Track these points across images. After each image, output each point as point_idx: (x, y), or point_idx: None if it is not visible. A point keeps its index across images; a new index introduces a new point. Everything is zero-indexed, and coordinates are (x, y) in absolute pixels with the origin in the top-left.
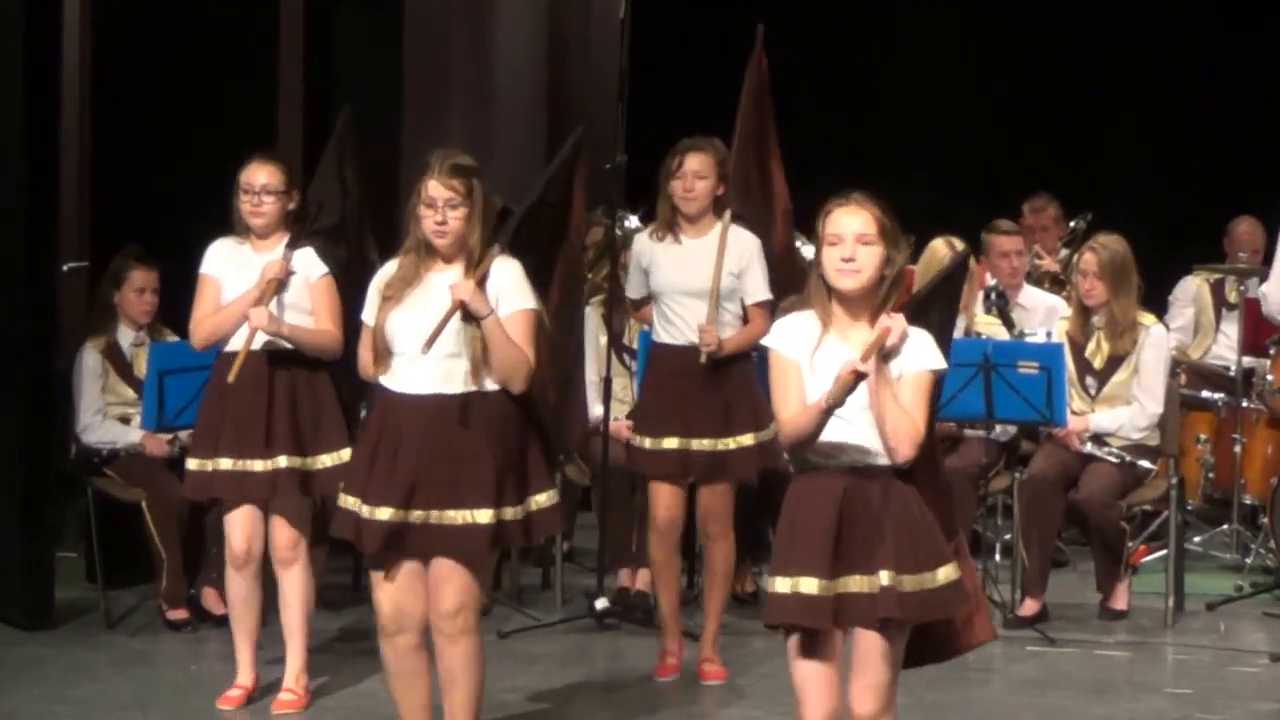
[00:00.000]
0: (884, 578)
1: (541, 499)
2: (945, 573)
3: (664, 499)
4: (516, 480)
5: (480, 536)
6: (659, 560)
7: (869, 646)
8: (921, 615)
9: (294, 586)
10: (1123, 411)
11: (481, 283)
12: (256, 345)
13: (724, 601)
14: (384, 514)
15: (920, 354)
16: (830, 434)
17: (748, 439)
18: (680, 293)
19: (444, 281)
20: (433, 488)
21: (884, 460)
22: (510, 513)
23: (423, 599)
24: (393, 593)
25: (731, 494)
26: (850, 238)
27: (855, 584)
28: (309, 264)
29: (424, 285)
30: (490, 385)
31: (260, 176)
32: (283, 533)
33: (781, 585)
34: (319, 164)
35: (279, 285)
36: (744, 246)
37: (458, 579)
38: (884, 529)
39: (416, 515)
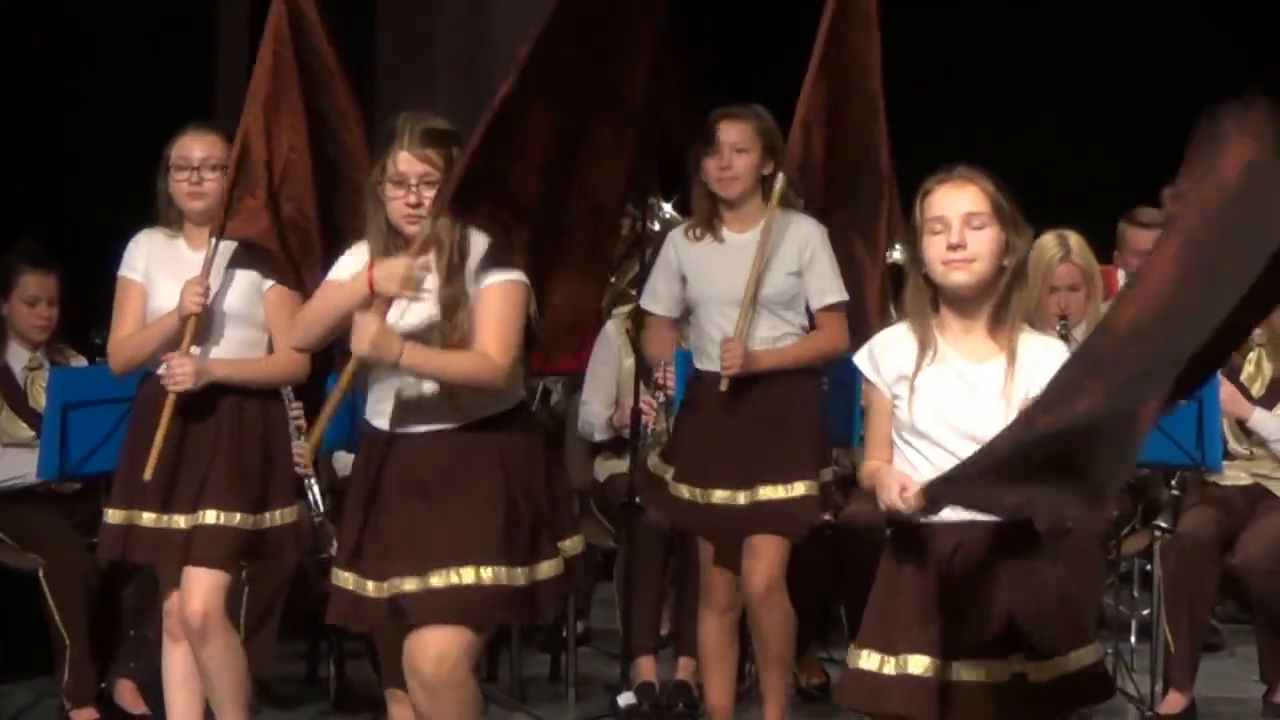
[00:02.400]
0: (1015, 664)
1: (568, 544)
2: (1083, 654)
3: (721, 563)
4: (537, 532)
5: (470, 598)
6: (712, 642)
7: None
8: (1058, 708)
9: (216, 657)
10: None
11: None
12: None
13: (785, 685)
14: (372, 589)
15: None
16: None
17: (800, 488)
18: (724, 303)
19: (427, 279)
20: (422, 550)
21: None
22: (548, 567)
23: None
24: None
25: (782, 551)
26: (958, 220)
27: (971, 672)
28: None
29: None
30: (498, 407)
31: (198, 149)
32: (194, 601)
33: (869, 661)
34: None
35: (201, 321)
36: (804, 235)
37: (436, 646)
38: (1009, 600)
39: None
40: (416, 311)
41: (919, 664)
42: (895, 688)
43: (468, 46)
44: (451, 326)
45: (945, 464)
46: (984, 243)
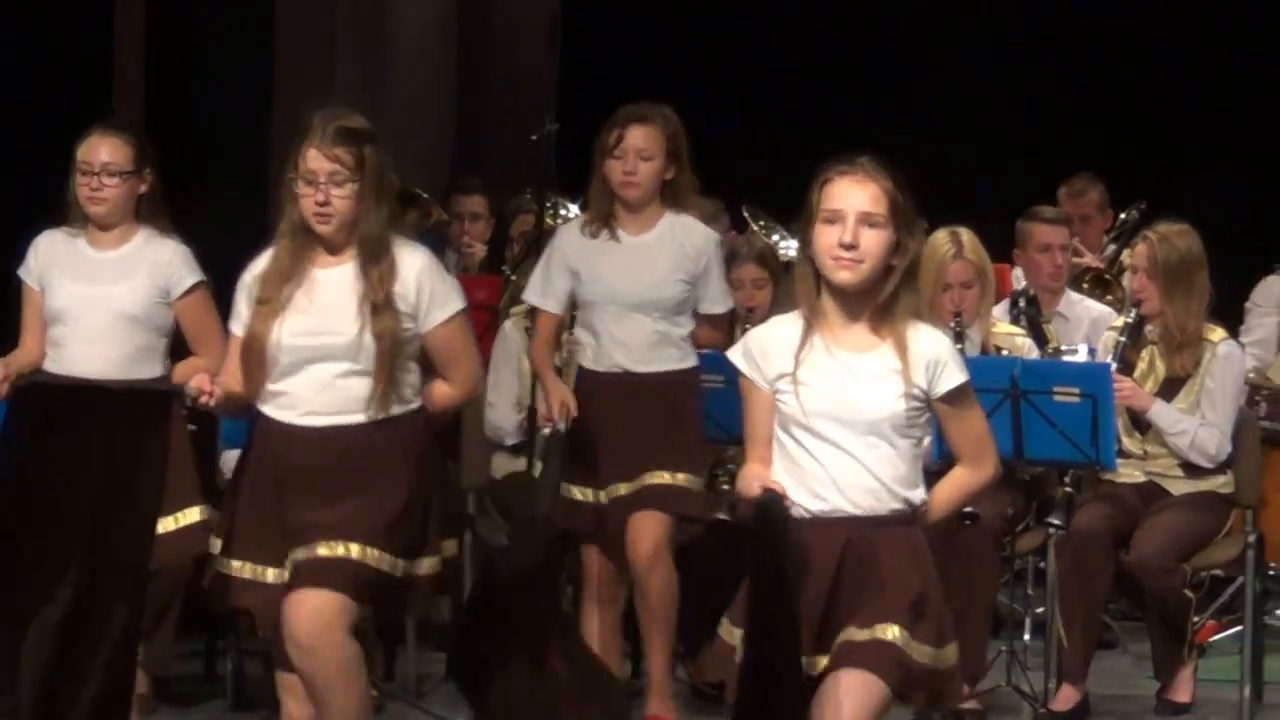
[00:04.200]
0: (894, 631)
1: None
2: (952, 652)
3: (604, 557)
4: (424, 529)
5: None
6: (596, 636)
7: (851, 684)
8: (919, 693)
9: None
10: (1191, 421)
11: (386, 286)
12: None
13: (670, 646)
14: (271, 575)
15: (948, 361)
16: (824, 469)
17: (683, 478)
18: (616, 304)
19: (334, 280)
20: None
21: (896, 504)
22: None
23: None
24: (310, 599)
25: (668, 524)
26: (853, 217)
27: (850, 634)
28: (167, 271)
29: (309, 285)
30: (399, 408)
31: (102, 153)
32: None
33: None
34: None
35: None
36: (699, 244)
37: (313, 602)
38: (896, 584)
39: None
40: (335, 332)
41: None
42: None
43: (367, 39)
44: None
45: (833, 458)
46: (875, 243)
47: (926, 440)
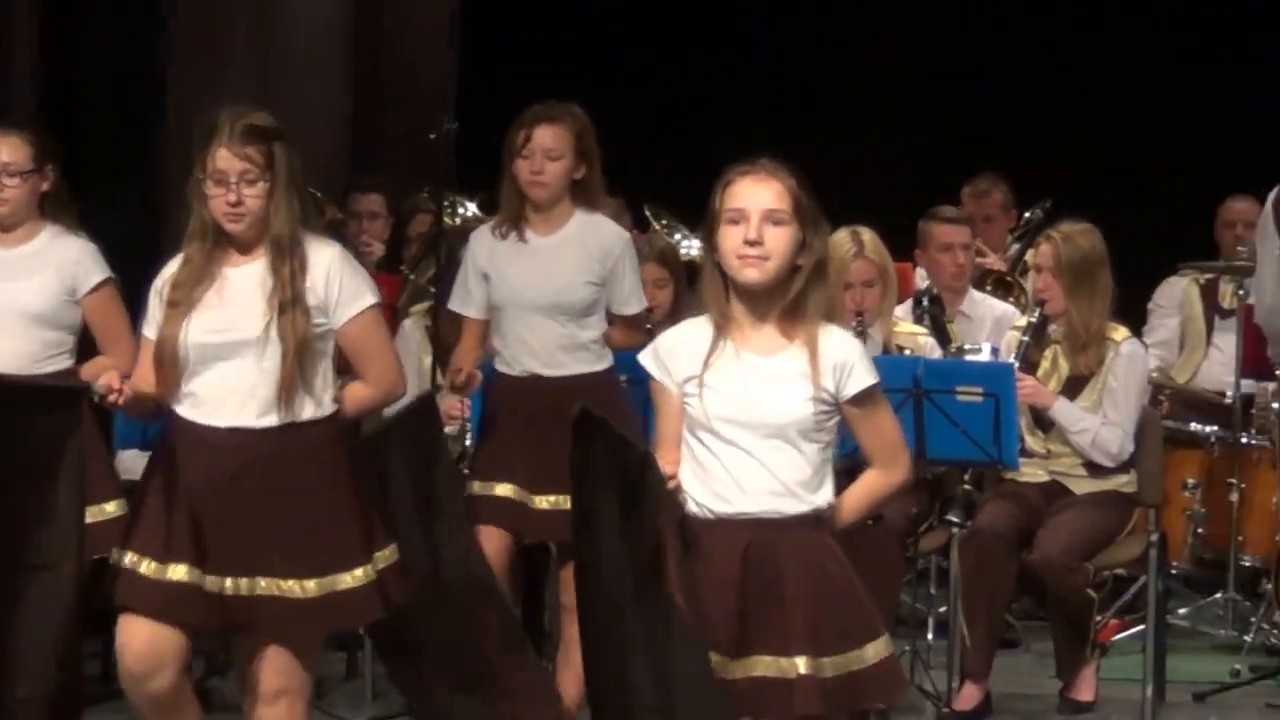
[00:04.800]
0: (801, 665)
1: (388, 553)
2: (876, 648)
3: (489, 544)
4: (354, 533)
5: (305, 615)
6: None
7: None
8: (848, 703)
9: None
10: (1094, 420)
11: (296, 284)
12: None
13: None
14: (179, 573)
15: (857, 364)
16: (727, 472)
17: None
18: (526, 307)
19: (244, 278)
20: (243, 548)
21: (802, 507)
22: (351, 578)
23: (174, 635)
24: (146, 629)
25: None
26: (757, 215)
27: (764, 666)
28: (74, 269)
29: (220, 284)
30: (315, 410)
31: (1, 152)
32: None
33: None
34: None
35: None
36: (608, 244)
37: (278, 660)
38: (798, 595)
39: (227, 585)
40: (242, 328)
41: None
42: None
43: (262, 38)
44: (285, 351)
45: (737, 461)
46: (780, 241)
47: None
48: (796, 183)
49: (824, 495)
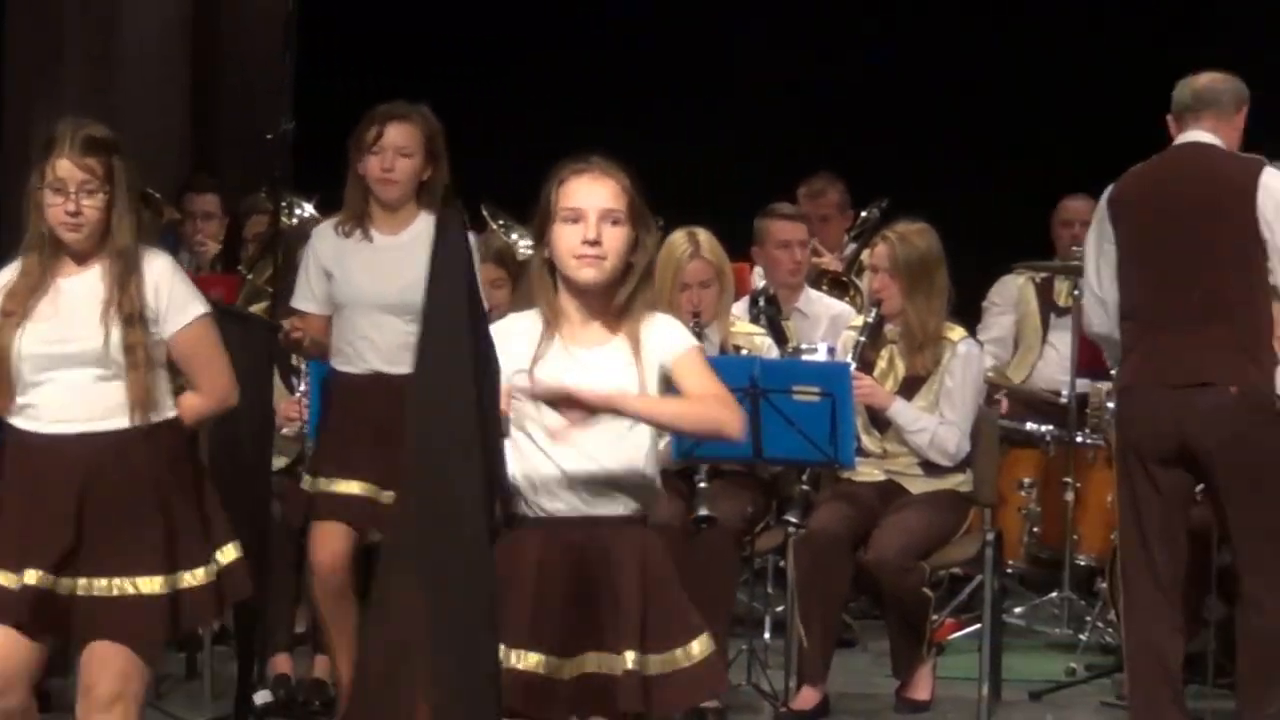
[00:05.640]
0: (628, 660)
1: (230, 550)
2: (701, 645)
3: (328, 540)
4: (197, 533)
5: (152, 613)
6: (326, 615)
7: None
8: (672, 703)
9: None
10: (931, 419)
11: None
12: None
13: None
14: (31, 578)
15: (675, 333)
16: (559, 470)
17: None
18: (369, 306)
19: (79, 288)
20: (87, 551)
21: (632, 505)
22: (192, 577)
23: (29, 649)
24: (2, 644)
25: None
26: (594, 215)
27: (594, 663)
28: None
29: (54, 294)
30: (157, 416)
31: None
32: None
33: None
34: None
35: None
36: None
37: (117, 663)
38: (627, 592)
39: (80, 585)
40: (79, 339)
41: (533, 660)
42: (509, 684)
43: (98, 38)
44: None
45: (561, 454)
46: (617, 240)
47: (665, 441)
48: (630, 181)
49: (655, 484)
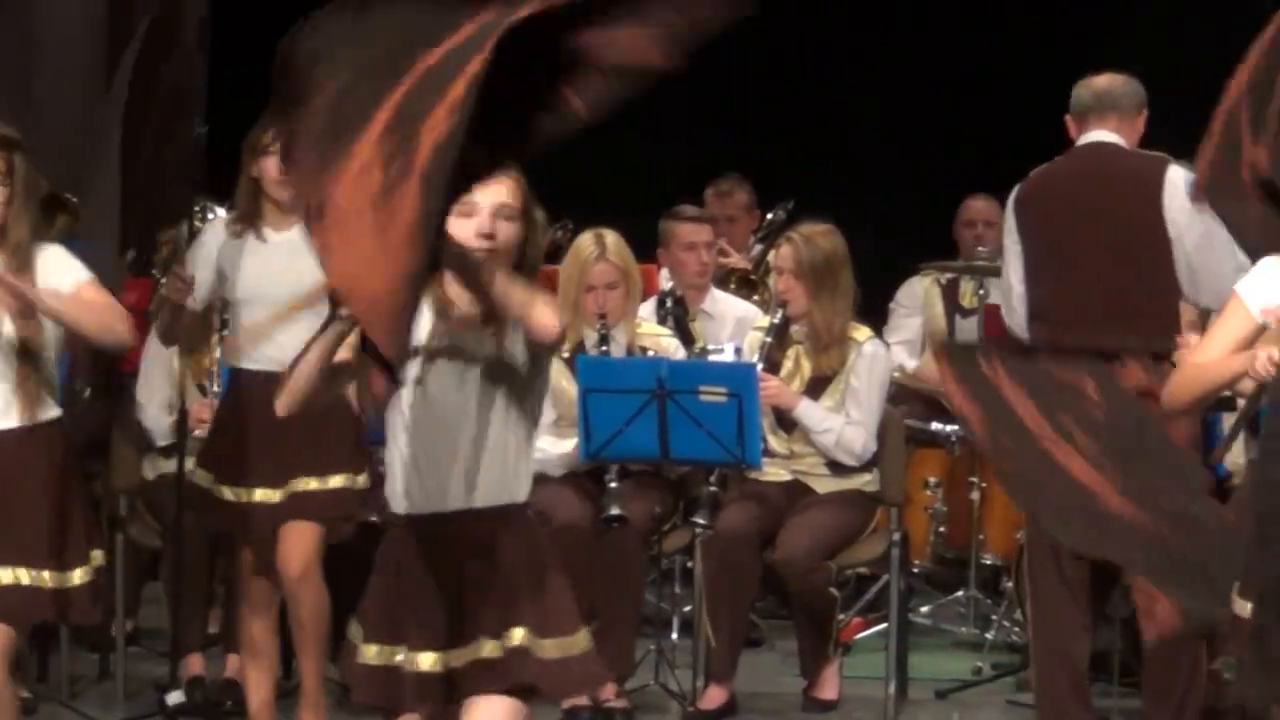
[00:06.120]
0: (517, 635)
1: (99, 555)
2: (587, 636)
3: (261, 566)
4: (83, 534)
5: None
6: (253, 642)
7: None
8: (559, 686)
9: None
10: (837, 419)
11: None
12: None
13: (322, 657)
14: None
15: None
16: (440, 465)
17: (336, 480)
18: (265, 303)
19: None
20: None
21: (517, 496)
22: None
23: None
24: None
25: (316, 535)
26: (489, 209)
27: (485, 649)
28: None
29: None
30: (44, 414)
31: None
32: None
33: (375, 655)
34: None
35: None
36: None
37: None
38: (518, 581)
39: None
40: None
41: (427, 660)
42: (409, 683)
43: (12, 42)
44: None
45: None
46: (510, 235)
47: (572, 443)
48: (524, 179)
49: (525, 486)
